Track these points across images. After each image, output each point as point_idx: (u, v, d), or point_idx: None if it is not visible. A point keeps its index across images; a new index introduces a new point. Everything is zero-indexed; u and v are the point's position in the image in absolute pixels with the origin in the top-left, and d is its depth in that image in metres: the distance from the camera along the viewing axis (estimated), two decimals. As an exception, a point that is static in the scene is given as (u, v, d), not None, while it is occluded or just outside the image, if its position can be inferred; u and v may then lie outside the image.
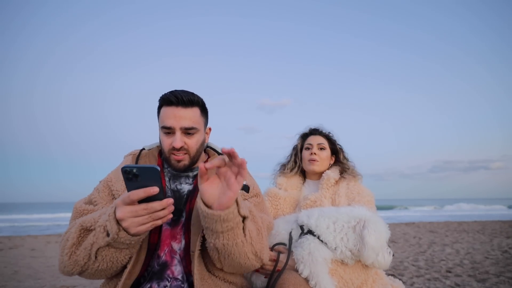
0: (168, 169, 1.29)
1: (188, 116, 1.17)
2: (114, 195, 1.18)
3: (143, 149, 1.34)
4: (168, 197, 1.01)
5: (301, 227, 1.41)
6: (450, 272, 4.21)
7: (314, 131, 1.89)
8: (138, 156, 1.28)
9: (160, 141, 1.25)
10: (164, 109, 1.19)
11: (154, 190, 0.84)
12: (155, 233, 1.14)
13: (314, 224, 1.36)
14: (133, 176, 0.84)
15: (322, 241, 1.32)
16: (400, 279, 1.56)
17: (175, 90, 1.19)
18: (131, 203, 0.86)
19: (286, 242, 1.40)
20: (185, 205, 1.20)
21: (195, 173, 1.29)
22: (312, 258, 1.26)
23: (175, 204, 1.17)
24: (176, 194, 1.22)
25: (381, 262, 1.29)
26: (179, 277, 1.12)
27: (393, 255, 1.34)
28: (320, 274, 1.22)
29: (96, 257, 0.98)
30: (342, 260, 1.33)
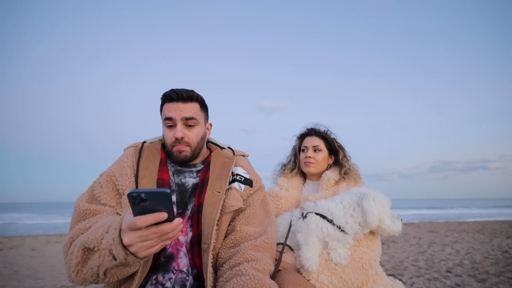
0: (172, 164, 1.31)
1: (187, 108, 1.25)
2: (118, 190, 1.19)
3: (145, 142, 1.36)
4: (175, 213, 0.99)
5: (302, 214, 1.48)
6: (450, 272, 4.21)
7: (310, 132, 1.86)
8: (141, 149, 1.29)
9: (162, 136, 1.31)
10: (166, 105, 1.26)
11: (163, 216, 0.79)
12: None
13: (324, 205, 1.45)
14: (140, 200, 0.77)
15: (325, 218, 1.41)
16: (400, 279, 1.56)
17: (175, 88, 1.27)
18: (137, 230, 0.81)
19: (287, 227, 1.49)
20: (189, 198, 1.23)
21: (198, 168, 1.32)
22: (308, 228, 1.39)
23: (180, 197, 1.21)
24: (181, 188, 1.25)
25: (391, 226, 1.38)
26: (184, 269, 1.13)
27: (401, 221, 1.44)
28: (311, 239, 1.36)
29: (105, 275, 0.96)
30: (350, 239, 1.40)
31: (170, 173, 1.28)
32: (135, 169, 1.22)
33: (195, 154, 1.29)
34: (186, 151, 1.25)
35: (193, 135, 1.26)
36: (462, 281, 3.72)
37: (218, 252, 1.17)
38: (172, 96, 1.24)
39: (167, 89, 1.28)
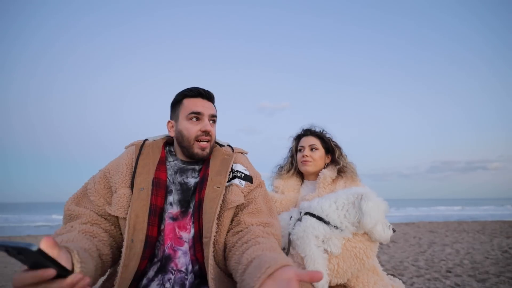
0: (175, 162, 1.31)
1: (212, 107, 1.34)
2: (111, 187, 1.18)
3: (146, 139, 1.35)
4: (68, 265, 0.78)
5: (300, 213, 1.48)
6: (450, 272, 4.21)
7: (306, 132, 1.88)
8: (142, 146, 1.29)
9: (181, 130, 1.28)
10: (190, 100, 1.30)
11: (49, 273, 0.65)
12: (154, 226, 1.14)
13: (316, 205, 1.43)
14: (17, 253, 0.61)
15: (322, 219, 1.40)
16: (400, 279, 1.56)
17: (199, 87, 1.32)
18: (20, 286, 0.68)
19: (286, 229, 1.49)
20: (192, 196, 1.24)
21: (200, 166, 1.33)
22: (304, 235, 1.37)
23: (182, 196, 1.22)
24: (184, 187, 1.25)
25: (381, 233, 1.37)
26: (183, 269, 1.13)
27: (394, 231, 1.42)
28: (309, 248, 1.34)
29: None
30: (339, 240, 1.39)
31: (170, 172, 1.27)
32: (133, 166, 1.21)
33: (210, 151, 1.34)
34: (207, 148, 1.30)
35: (214, 131, 1.34)
36: (462, 281, 3.73)
37: (225, 241, 1.16)
38: (201, 93, 1.31)
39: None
